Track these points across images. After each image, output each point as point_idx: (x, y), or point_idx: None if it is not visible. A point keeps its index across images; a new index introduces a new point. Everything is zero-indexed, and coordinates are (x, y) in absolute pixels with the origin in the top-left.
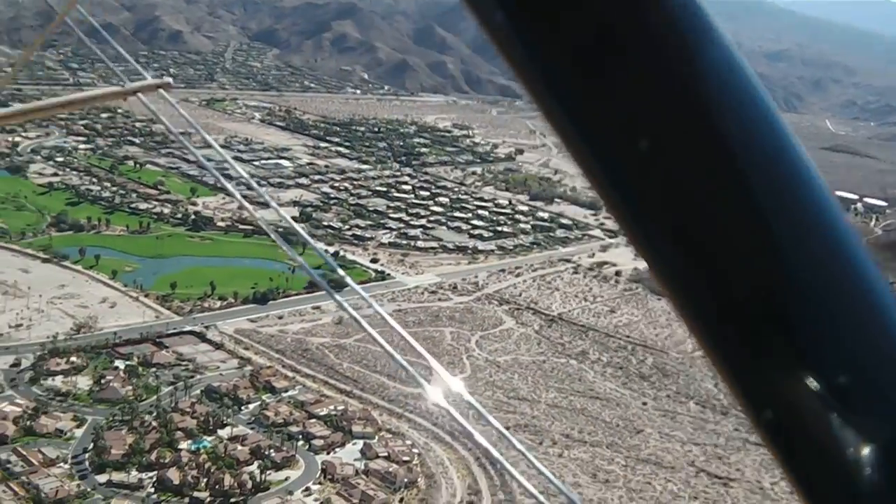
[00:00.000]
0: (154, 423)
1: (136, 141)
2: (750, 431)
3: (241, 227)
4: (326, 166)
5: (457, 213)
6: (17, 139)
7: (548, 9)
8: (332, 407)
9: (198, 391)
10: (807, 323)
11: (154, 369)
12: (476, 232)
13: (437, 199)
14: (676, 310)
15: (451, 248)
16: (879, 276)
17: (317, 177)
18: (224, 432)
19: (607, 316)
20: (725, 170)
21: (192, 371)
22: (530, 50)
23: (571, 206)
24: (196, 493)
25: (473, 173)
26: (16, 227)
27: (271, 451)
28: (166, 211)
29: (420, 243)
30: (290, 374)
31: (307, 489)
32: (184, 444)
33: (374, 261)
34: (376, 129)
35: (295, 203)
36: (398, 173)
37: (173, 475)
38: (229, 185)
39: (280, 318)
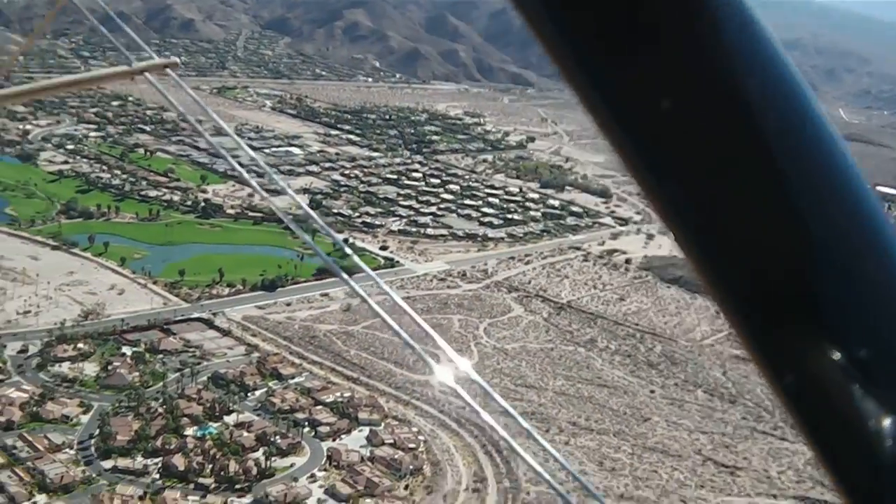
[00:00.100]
0: (160, 410)
1: (147, 128)
2: (758, 420)
3: (251, 214)
4: (337, 154)
5: (467, 201)
6: (28, 127)
7: None
8: (338, 394)
9: (204, 378)
10: (831, 292)
11: (161, 356)
12: (486, 219)
13: (447, 187)
14: (699, 274)
15: (460, 236)
16: None
17: (327, 164)
18: (230, 419)
19: (616, 304)
20: (749, 139)
21: (199, 358)
22: (562, 28)
23: (582, 193)
24: (201, 480)
25: (484, 161)
26: (26, 215)
27: (277, 437)
28: (176, 198)
29: (430, 231)
30: (297, 360)
31: (312, 476)
32: (189, 431)
33: (383, 248)
34: (387, 117)
35: (305, 190)
36: (409, 161)
37: (178, 461)
38: (240, 167)
39: (288, 305)
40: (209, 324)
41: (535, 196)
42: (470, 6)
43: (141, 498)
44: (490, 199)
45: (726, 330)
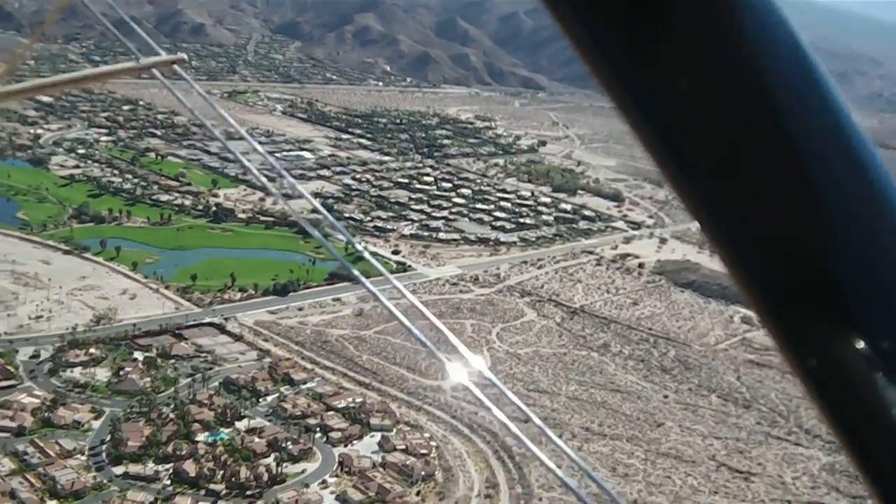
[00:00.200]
0: (171, 415)
1: (158, 132)
2: (772, 425)
3: (263, 218)
4: (348, 158)
5: (479, 205)
6: (40, 131)
7: None
8: (350, 399)
9: (216, 383)
10: (856, 280)
11: (173, 361)
12: (498, 224)
13: (459, 191)
14: (723, 260)
15: (472, 240)
16: None
17: (338, 168)
18: (241, 424)
19: (629, 308)
20: (777, 132)
21: (211, 363)
22: (591, 27)
23: (594, 197)
24: (212, 486)
25: (496, 165)
26: (37, 219)
27: (288, 443)
28: (187, 202)
29: (442, 235)
30: (309, 366)
31: (324, 482)
32: (201, 437)
33: (395, 252)
34: (398, 121)
35: (316, 195)
36: (420, 165)
37: (189, 467)
38: (253, 168)
39: (300, 309)
40: (221, 329)
41: (547, 200)
42: (480, 10)
43: None
44: (502, 204)
45: (740, 334)
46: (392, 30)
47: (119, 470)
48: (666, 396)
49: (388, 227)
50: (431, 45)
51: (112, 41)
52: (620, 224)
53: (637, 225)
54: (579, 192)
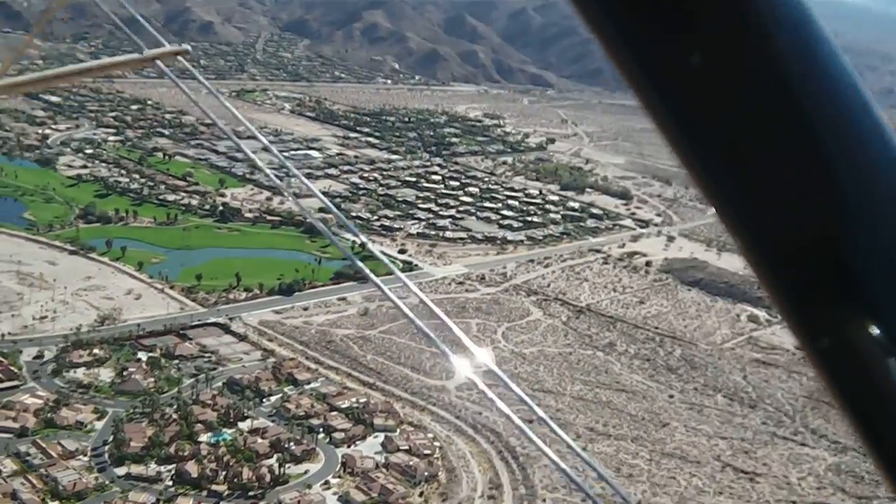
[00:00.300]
0: (174, 416)
1: (166, 132)
2: (778, 425)
3: (269, 218)
4: (356, 157)
5: (486, 204)
6: (48, 131)
7: None
8: (354, 399)
9: (220, 383)
10: (869, 263)
11: (177, 361)
12: (506, 222)
13: (466, 190)
14: (733, 235)
15: (479, 239)
16: None
17: (346, 167)
18: (244, 425)
19: (636, 307)
20: (798, 123)
21: (215, 363)
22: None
23: (602, 195)
24: (214, 487)
25: (504, 163)
26: (44, 219)
27: (291, 444)
28: (194, 202)
29: (449, 234)
30: (313, 365)
31: (326, 482)
32: (203, 437)
33: (402, 251)
34: (406, 119)
35: (324, 194)
36: (428, 163)
37: (192, 468)
38: (266, 168)
39: (305, 309)
40: (225, 329)
41: (555, 198)
42: (489, 7)
43: None
44: (509, 202)
45: (747, 333)
46: (400, 27)
47: (121, 471)
48: (671, 396)
49: (395, 225)
50: (440, 42)
51: (120, 40)
52: (628, 222)
53: (645, 223)
54: (587, 190)
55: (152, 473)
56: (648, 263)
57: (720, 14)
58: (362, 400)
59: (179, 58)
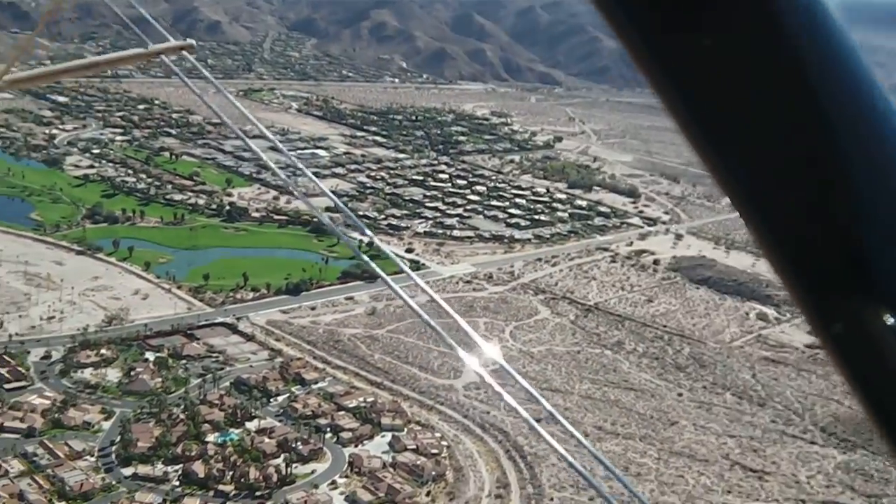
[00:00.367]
0: (182, 416)
1: (173, 132)
2: (787, 424)
3: (276, 217)
4: (363, 155)
5: (494, 202)
6: (55, 131)
7: None
8: (361, 399)
9: (227, 383)
10: (884, 249)
11: (184, 361)
12: (513, 221)
13: (474, 188)
14: (748, 223)
15: (487, 238)
16: None
17: (353, 166)
18: (252, 425)
19: (644, 305)
20: (806, 101)
21: (222, 363)
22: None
23: (610, 193)
24: (221, 487)
25: (511, 161)
26: (51, 220)
27: (298, 443)
28: (201, 202)
29: (456, 232)
30: (320, 365)
31: (333, 482)
32: (211, 437)
33: (409, 250)
34: (414, 118)
35: (331, 193)
36: (435, 162)
37: (199, 468)
38: (275, 167)
39: (313, 308)
40: (233, 328)
41: (563, 196)
42: (497, 5)
43: None
44: (517, 200)
45: (756, 331)
46: (408, 26)
47: (128, 471)
48: (680, 394)
49: (403, 224)
50: (447, 40)
51: (128, 39)
52: (636, 220)
53: (653, 221)
54: (595, 188)
55: (159, 474)
56: (656, 262)
57: (741, 10)
58: (370, 399)
59: (185, 53)
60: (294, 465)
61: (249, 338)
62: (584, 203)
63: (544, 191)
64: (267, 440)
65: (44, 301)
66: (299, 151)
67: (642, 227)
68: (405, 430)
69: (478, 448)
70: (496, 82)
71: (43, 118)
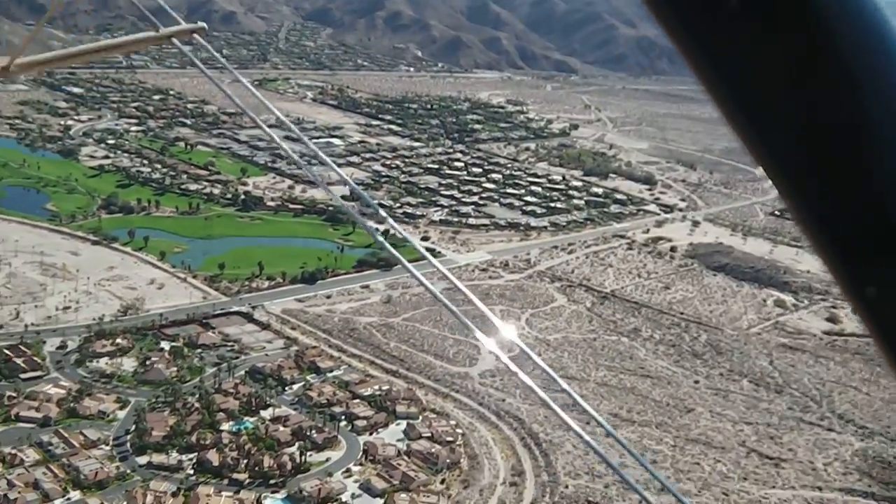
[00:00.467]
0: (196, 405)
1: (188, 122)
2: (804, 410)
3: (291, 206)
4: (378, 144)
5: (509, 190)
6: (70, 122)
7: None
8: (376, 387)
9: (242, 372)
10: None
11: (199, 350)
12: (529, 208)
13: (489, 176)
14: (780, 189)
15: (502, 225)
16: None
17: (368, 155)
18: (266, 413)
19: (661, 292)
20: (840, 75)
21: (238, 352)
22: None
23: (626, 181)
24: (235, 475)
25: (527, 149)
26: (66, 210)
27: (313, 431)
28: (216, 191)
29: (471, 220)
30: (335, 353)
31: (348, 470)
32: (225, 426)
33: (424, 239)
34: (429, 107)
35: (345, 183)
36: (450, 150)
37: (213, 457)
38: (295, 156)
39: (328, 297)
40: (248, 317)
41: (579, 184)
42: None
43: (174, 494)
44: (533, 188)
45: (774, 318)
46: (423, 15)
47: (143, 460)
48: (696, 382)
49: (418, 213)
50: (463, 29)
51: (143, 30)
52: (652, 207)
53: (669, 208)
54: (611, 175)
55: (174, 462)
56: (673, 249)
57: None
58: (385, 387)
59: (197, 36)
60: (308, 454)
61: (265, 326)
62: (600, 190)
63: (560, 178)
64: (281, 428)
65: (59, 291)
66: (314, 141)
67: (659, 215)
68: (420, 417)
69: (493, 436)
70: (512, 70)
71: (58, 109)
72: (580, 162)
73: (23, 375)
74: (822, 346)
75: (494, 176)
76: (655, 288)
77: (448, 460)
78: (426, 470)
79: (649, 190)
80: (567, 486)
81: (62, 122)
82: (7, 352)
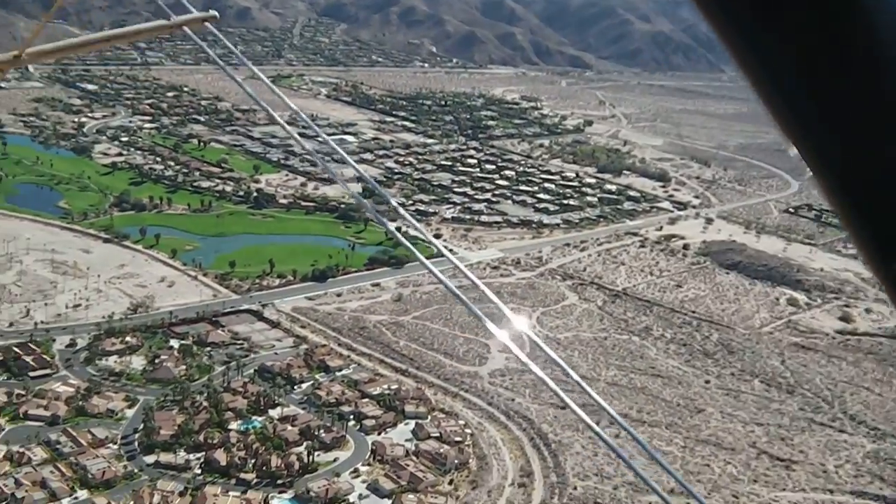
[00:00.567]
0: (205, 404)
1: (201, 119)
2: (816, 411)
3: (304, 204)
4: (391, 141)
5: (522, 187)
6: (84, 120)
7: None
8: (385, 386)
9: (251, 370)
10: None
11: (209, 348)
12: (542, 205)
13: (502, 173)
14: (811, 164)
15: (515, 223)
16: None
17: (381, 152)
18: (275, 412)
19: (673, 291)
20: (870, 52)
21: (247, 350)
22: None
23: (640, 177)
24: (243, 475)
25: (541, 146)
26: (79, 208)
27: (321, 431)
28: (229, 189)
29: (484, 217)
30: (345, 352)
31: (355, 470)
32: (233, 425)
33: (436, 236)
34: (443, 103)
35: (358, 179)
36: (464, 147)
37: (221, 456)
38: (315, 153)
39: (338, 295)
40: (258, 315)
41: (592, 181)
42: None
43: (181, 493)
44: (546, 185)
45: (786, 317)
46: (438, 10)
47: (150, 459)
48: (707, 381)
49: (430, 210)
50: (478, 24)
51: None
52: (666, 204)
53: (683, 205)
54: (625, 172)
55: (181, 461)
56: (686, 246)
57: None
58: (394, 386)
59: (208, 24)
60: (316, 453)
61: (275, 325)
62: (613, 187)
63: (573, 175)
64: (290, 428)
65: (70, 289)
66: (327, 137)
67: (672, 212)
68: (429, 417)
69: (502, 436)
70: (526, 66)
71: (72, 106)
72: (594, 158)
73: (32, 373)
74: (835, 345)
75: (507, 173)
76: (667, 286)
77: (457, 461)
78: (434, 470)
79: (663, 187)
80: (576, 488)
81: (76, 120)
82: (17, 349)
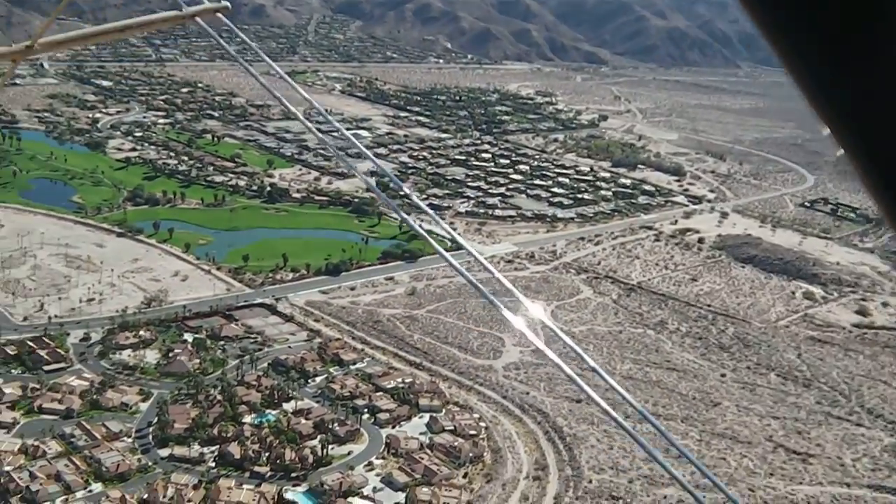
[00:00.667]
0: (219, 397)
1: (215, 114)
2: (833, 405)
3: (317, 198)
4: (405, 136)
5: (537, 181)
6: (98, 115)
7: None
8: (399, 380)
9: (265, 364)
10: None
11: (222, 342)
12: (556, 200)
13: (517, 167)
14: (842, 143)
15: (529, 217)
16: None
17: (395, 146)
18: (289, 406)
19: (688, 284)
20: None
21: (261, 344)
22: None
23: (655, 172)
24: (257, 468)
25: (555, 140)
26: (93, 202)
27: (335, 424)
28: (242, 183)
29: (498, 212)
30: (359, 346)
31: (370, 464)
32: (247, 418)
33: None
34: (457, 98)
35: (372, 174)
36: (478, 141)
37: (235, 449)
38: (334, 147)
39: (352, 289)
40: (272, 309)
41: (607, 175)
42: None
43: (195, 487)
44: (560, 179)
45: (802, 310)
46: (453, 7)
47: (164, 452)
48: (723, 375)
49: (444, 204)
50: (493, 21)
51: (173, 25)
52: (681, 199)
53: (698, 199)
54: (639, 166)
55: (195, 455)
56: (701, 240)
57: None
58: (408, 380)
59: (220, 15)
60: (330, 447)
61: (288, 318)
62: (628, 181)
63: (588, 169)
64: (304, 421)
65: (84, 283)
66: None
67: (687, 206)
68: (443, 411)
69: (516, 429)
70: (541, 62)
71: (87, 102)
72: (609, 153)
73: (46, 367)
74: (852, 339)
75: (522, 167)
76: (682, 280)
77: (471, 454)
78: (449, 464)
79: (678, 181)
80: (591, 481)
81: (90, 115)
82: (31, 344)
